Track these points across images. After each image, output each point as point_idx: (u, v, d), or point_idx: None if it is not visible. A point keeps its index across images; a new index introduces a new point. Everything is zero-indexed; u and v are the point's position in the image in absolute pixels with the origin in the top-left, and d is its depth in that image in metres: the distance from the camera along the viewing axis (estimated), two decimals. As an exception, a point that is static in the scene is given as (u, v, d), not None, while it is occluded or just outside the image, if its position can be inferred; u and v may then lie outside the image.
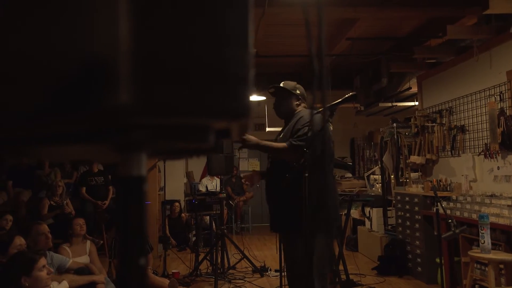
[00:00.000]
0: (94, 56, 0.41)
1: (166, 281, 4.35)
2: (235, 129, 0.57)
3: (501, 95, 4.22)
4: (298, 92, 2.78)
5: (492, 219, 3.51)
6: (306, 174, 2.41)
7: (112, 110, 0.40)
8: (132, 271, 0.53)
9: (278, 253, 4.02)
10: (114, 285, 4.08)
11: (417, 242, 4.91)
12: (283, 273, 4.06)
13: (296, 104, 2.79)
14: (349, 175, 9.74)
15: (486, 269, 3.40)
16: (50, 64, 0.40)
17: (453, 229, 3.22)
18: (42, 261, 2.39)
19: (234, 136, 0.65)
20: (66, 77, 0.41)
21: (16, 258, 2.38)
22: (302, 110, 2.77)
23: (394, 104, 7.40)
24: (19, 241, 2.88)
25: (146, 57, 0.42)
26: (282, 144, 2.63)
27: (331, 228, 2.67)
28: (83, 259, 4.16)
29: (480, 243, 3.29)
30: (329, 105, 2.49)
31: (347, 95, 2.43)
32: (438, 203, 3.38)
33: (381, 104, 7.51)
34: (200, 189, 8.15)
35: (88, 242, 4.46)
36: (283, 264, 3.36)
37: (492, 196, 3.99)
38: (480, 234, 3.29)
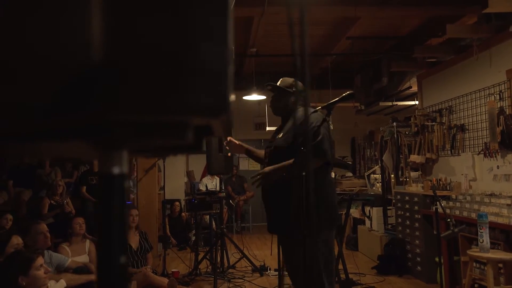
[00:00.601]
0: (70, 55, 0.40)
1: (165, 280, 4.35)
2: (217, 126, 0.57)
3: (501, 94, 4.21)
4: (294, 89, 2.75)
5: (491, 218, 3.50)
6: (304, 173, 2.40)
7: (88, 107, 0.40)
8: (112, 270, 0.53)
9: (273, 253, 4.01)
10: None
11: (417, 242, 4.90)
12: (282, 273, 4.08)
13: (293, 102, 2.76)
14: (350, 174, 9.72)
15: (485, 268, 3.39)
16: (32, 65, 0.40)
17: (452, 228, 3.21)
18: (40, 260, 2.39)
19: (218, 133, 0.65)
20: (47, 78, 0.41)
21: (13, 258, 2.38)
22: (301, 109, 2.74)
23: (395, 103, 7.39)
24: (16, 240, 2.88)
25: (120, 54, 0.42)
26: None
27: (331, 227, 2.66)
28: (83, 258, 4.17)
29: (479, 242, 3.28)
30: (326, 104, 2.48)
31: (344, 94, 2.43)
32: (437, 202, 3.37)
33: (381, 103, 7.50)
34: (200, 188, 8.15)
35: (88, 241, 4.46)
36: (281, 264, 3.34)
37: (492, 195, 3.98)
38: (479, 233, 3.28)
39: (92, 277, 3.45)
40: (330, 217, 2.57)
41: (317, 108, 2.53)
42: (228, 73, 0.50)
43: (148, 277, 4.33)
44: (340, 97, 2.43)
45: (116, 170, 0.53)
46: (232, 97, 0.68)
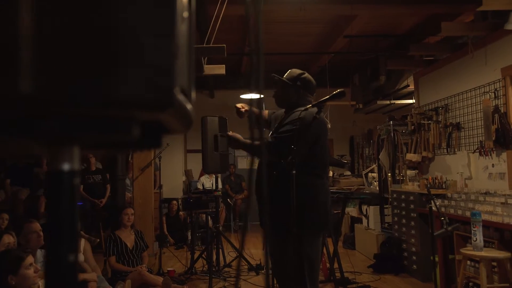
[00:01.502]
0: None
1: (160, 279, 4.35)
2: (169, 122, 0.56)
3: (496, 92, 4.19)
4: (299, 83, 2.68)
5: (486, 216, 3.49)
6: (294, 172, 2.39)
7: (13, 98, 0.39)
8: (60, 268, 0.52)
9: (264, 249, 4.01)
10: (108, 283, 4.09)
11: (413, 240, 4.89)
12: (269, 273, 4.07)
13: (296, 95, 2.67)
14: (348, 173, 9.72)
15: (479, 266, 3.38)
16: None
17: (445, 227, 3.20)
18: (29, 259, 2.39)
19: (176, 130, 0.64)
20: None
21: (2, 257, 2.37)
22: (305, 110, 2.65)
23: (392, 101, 7.38)
24: (8, 239, 2.88)
25: (50, 45, 0.41)
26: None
27: (320, 228, 2.64)
28: (77, 257, 4.17)
29: (472, 241, 3.27)
30: (317, 102, 2.47)
31: (334, 92, 2.41)
32: (432, 201, 3.37)
33: (379, 102, 7.49)
34: (198, 187, 8.15)
35: (83, 240, 4.46)
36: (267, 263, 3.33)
37: (486, 193, 3.97)
38: (472, 231, 3.27)
39: (85, 276, 3.45)
40: (319, 221, 2.54)
41: (307, 107, 2.51)
42: (174, 66, 0.49)
43: (143, 276, 4.33)
44: (330, 95, 2.42)
45: (65, 166, 0.52)
46: (193, 94, 0.67)
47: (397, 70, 6.80)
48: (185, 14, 0.59)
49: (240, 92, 8.30)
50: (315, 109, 2.43)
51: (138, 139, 0.57)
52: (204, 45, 3.29)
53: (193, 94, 0.70)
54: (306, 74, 2.75)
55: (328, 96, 2.42)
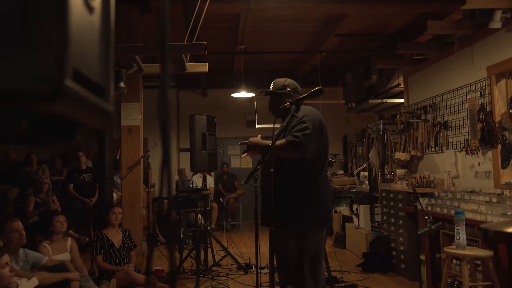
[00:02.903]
0: None
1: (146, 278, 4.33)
2: (71, 113, 0.54)
3: (482, 90, 4.19)
4: (288, 89, 2.74)
5: (470, 215, 3.49)
6: (272, 170, 2.38)
7: None
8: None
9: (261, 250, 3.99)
10: (93, 282, 4.07)
11: (401, 239, 4.89)
12: (266, 270, 4.06)
13: (289, 101, 2.70)
14: (341, 172, 9.73)
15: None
16: None
17: (428, 225, 3.20)
18: (5, 259, 2.37)
19: (91, 124, 0.63)
20: None
21: (-23, 255, 2.36)
22: (303, 107, 2.68)
23: (384, 101, 7.37)
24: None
25: None
26: (282, 141, 2.52)
27: (323, 223, 2.65)
28: (64, 256, 4.15)
29: (455, 239, 3.27)
30: (295, 99, 2.46)
31: (312, 90, 2.41)
32: (417, 200, 3.37)
33: (371, 101, 7.48)
34: (191, 186, 8.14)
35: (69, 239, 4.44)
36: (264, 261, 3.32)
37: (472, 192, 3.97)
38: (455, 230, 3.27)
39: (68, 275, 3.43)
40: (320, 216, 2.56)
41: (285, 104, 2.51)
42: (63, 56, 0.47)
43: (129, 275, 4.31)
44: (308, 92, 2.42)
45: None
46: (112, 88, 0.65)
47: (388, 69, 6.80)
48: (95, 3, 0.58)
49: (232, 91, 8.28)
50: (293, 107, 2.43)
51: (43, 132, 0.56)
52: (184, 43, 3.27)
53: (113, 88, 0.68)
54: (288, 79, 2.84)
55: (305, 94, 2.41)
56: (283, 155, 2.50)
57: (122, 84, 3.46)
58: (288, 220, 2.43)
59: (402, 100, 7.25)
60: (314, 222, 2.56)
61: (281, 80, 2.82)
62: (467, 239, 3.37)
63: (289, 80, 2.82)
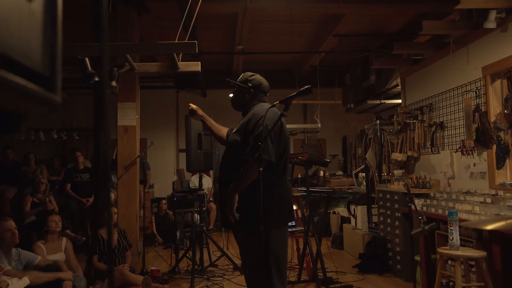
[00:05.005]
0: None
1: (141, 278, 4.33)
2: (18, 106, 0.54)
3: (477, 91, 4.17)
4: (250, 85, 2.72)
5: (465, 216, 3.48)
6: (261, 169, 2.37)
7: None
8: None
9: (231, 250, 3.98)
10: (87, 282, 4.07)
11: (397, 240, 4.87)
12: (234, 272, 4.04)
13: (249, 97, 2.73)
14: (340, 172, 9.71)
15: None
16: None
17: (422, 226, 3.19)
18: (-7, 257, 2.37)
19: (35, 112, 0.62)
20: None
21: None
22: (257, 105, 2.70)
23: (382, 101, 7.35)
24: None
25: None
26: (243, 171, 2.43)
27: (286, 221, 2.64)
28: (58, 256, 4.14)
29: (449, 240, 3.25)
30: (283, 98, 2.45)
31: (301, 89, 2.39)
32: (411, 200, 3.36)
33: (369, 102, 7.46)
34: (190, 186, 8.14)
35: (64, 239, 4.44)
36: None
37: (467, 193, 3.95)
38: (449, 230, 3.25)
39: (60, 275, 3.43)
40: (278, 216, 2.54)
41: (275, 103, 2.49)
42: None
43: (124, 275, 4.31)
44: (297, 91, 2.40)
45: None
46: (59, 76, 0.64)
47: (387, 70, 6.78)
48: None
49: (230, 91, 8.27)
50: (281, 106, 2.42)
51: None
52: (175, 41, 3.27)
53: (60, 77, 0.67)
54: (257, 75, 2.79)
55: (294, 93, 2.40)
56: (252, 177, 2.40)
57: (114, 83, 3.46)
58: (252, 221, 2.39)
59: (400, 100, 7.24)
60: (278, 221, 2.55)
61: (247, 74, 2.77)
62: (461, 239, 3.35)
63: (256, 76, 2.76)
